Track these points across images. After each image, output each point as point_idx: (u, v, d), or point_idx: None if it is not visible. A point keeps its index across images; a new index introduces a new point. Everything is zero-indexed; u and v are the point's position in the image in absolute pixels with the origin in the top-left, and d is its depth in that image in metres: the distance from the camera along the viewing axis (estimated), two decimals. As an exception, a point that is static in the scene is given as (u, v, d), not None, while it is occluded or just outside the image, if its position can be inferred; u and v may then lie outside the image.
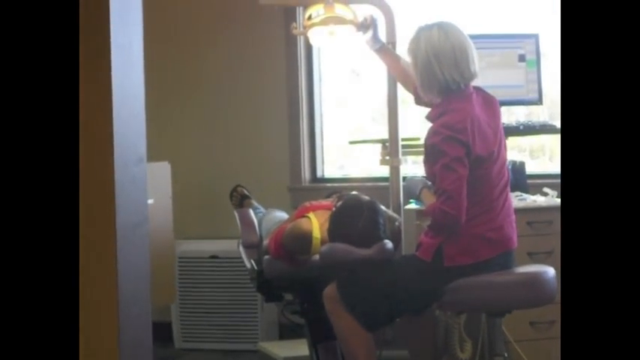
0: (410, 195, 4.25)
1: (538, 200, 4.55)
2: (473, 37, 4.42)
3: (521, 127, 4.73)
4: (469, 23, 5.50)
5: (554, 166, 5.89)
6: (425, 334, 3.97)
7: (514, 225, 3.77)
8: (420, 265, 3.70)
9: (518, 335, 4.17)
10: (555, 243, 4.33)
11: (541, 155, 5.91)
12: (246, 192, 5.04)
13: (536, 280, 3.69)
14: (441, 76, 3.73)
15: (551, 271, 3.70)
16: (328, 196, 4.40)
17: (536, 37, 4.91)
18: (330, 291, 3.79)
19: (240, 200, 5.01)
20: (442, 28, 3.79)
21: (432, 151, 3.68)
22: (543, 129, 4.89)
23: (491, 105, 3.86)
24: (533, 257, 4.21)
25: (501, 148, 3.76)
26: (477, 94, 3.80)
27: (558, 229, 4.33)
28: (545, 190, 4.62)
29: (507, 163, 3.88)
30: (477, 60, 3.79)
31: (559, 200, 4.57)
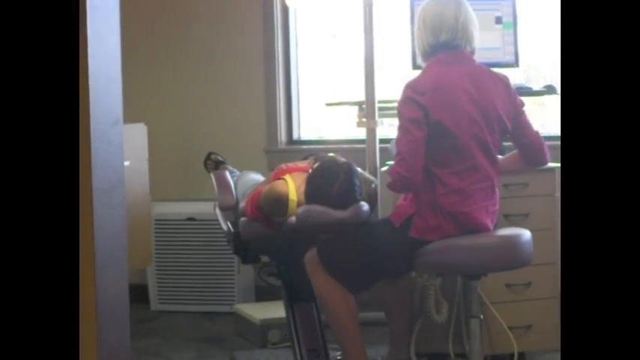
0: (390, 157, 4.26)
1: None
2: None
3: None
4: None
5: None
6: (401, 296, 3.98)
7: (490, 211, 3.72)
8: (389, 228, 3.73)
9: (494, 297, 4.19)
10: (530, 206, 4.35)
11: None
12: (220, 158, 5.02)
13: (512, 242, 3.70)
14: (421, 40, 3.81)
15: (526, 234, 3.71)
16: (305, 158, 4.39)
17: (512, -1, 4.90)
18: (310, 256, 3.81)
19: (215, 167, 4.99)
20: None
21: (397, 112, 3.73)
22: (520, 91, 4.89)
23: (489, 84, 3.80)
24: (509, 219, 4.22)
25: (486, 133, 3.69)
26: (472, 66, 3.79)
27: (534, 192, 4.37)
28: None
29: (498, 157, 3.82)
30: (469, 32, 3.77)
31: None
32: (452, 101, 3.65)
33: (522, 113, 3.88)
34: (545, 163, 3.95)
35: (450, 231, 3.63)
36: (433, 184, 3.63)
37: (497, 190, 3.79)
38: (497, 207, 3.78)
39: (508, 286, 4.29)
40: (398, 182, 3.63)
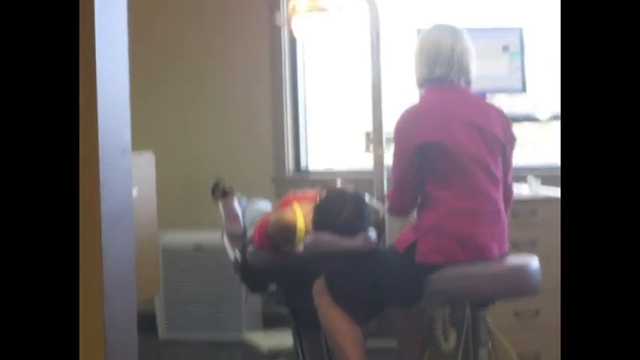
0: None
1: (522, 191, 4.57)
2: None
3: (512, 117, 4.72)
4: (456, 17, 5.54)
5: (537, 157, 5.91)
6: (414, 325, 3.97)
7: (498, 236, 3.69)
8: (394, 255, 3.72)
9: (502, 325, 4.17)
10: (539, 233, 4.35)
11: (523, 146, 5.92)
12: (227, 185, 5.02)
13: (520, 270, 3.67)
14: (416, 70, 3.87)
15: (535, 262, 3.69)
16: (313, 187, 4.40)
17: (519, 30, 4.92)
18: (318, 286, 3.80)
19: (223, 195, 4.99)
20: (438, 28, 3.87)
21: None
22: (527, 119, 4.93)
23: (484, 108, 3.86)
24: (517, 247, 4.22)
25: (485, 154, 3.68)
26: (466, 94, 3.81)
27: (542, 220, 4.38)
28: (529, 178, 4.64)
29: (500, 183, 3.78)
30: (464, 64, 3.80)
31: (543, 190, 4.59)
32: (447, 123, 3.67)
33: (511, 152, 3.86)
34: (507, 212, 3.86)
35: (455, 253, 3.59)
36: (436, 207, 3.62)
37: (504, 217, 3.74)
38: (505, 234, 3.74)
39: (516, 314, 4.28)
40: (391, 208, 3.85)
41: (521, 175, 4.77)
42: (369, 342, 3.90)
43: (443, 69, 3.76)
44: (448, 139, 3.63)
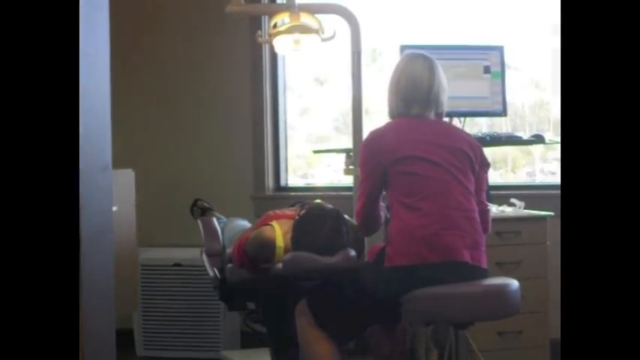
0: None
1: (506, 211, 4.59)
2: (440, 47, 4.45)
3: (487, 138, 4.74)
4: (438, 34, 5.57)
5: (516, 178, 5.95)
6: (398, 347, 3.95)
7: (470, 244, 3.63)
8: (367, 268, 3.74)
9: (485, 345, 4.18)
10: (523, 254, 4.37)
11: (504, 166, 5.95)
12: (206, 204, 5.03)
13: (499, 292, 3.65)
14: (391, 102, 3.88)
15: (514, 284, 3.67)
16: (292, 205, 4.40)
17: (500, 49, 4.94)
18: (301, 306, 3.78)
19: (202, 214, 4.99)
20: (414, 62, 3.88)
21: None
22: (510, 140, 4.96)
23: (453, 130, 3.96)
24: (502, 267, 4.23)
25: (453, 160, 3.70)
26: (435, 121, 3.85)
27: (526, 240, 4.40)
28: (513, 200, 4.66)
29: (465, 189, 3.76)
30: (439, 101, 3.84)
31: (526, 211, 4.61)
32: (413, 138, 3.72)
33: (482, 174, 3.87)
34: (485, 232, 3.83)
35: (422, 254, 3.55)
36: (402, 215, 3.62)
37: (477, 227, 3.69)
38: (480, 246, 3.68)
39: (500, 334, 4.29)
40: (361, 224, 3.85)
41: (503, 196, 4.80)
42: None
43: (419, 107, 3.79)
44: (414, 151, 3.67)
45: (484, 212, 3.81)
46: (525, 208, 4.64)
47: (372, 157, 3.75)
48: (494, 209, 4.44)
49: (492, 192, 4.78)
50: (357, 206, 3.82)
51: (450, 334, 3.96)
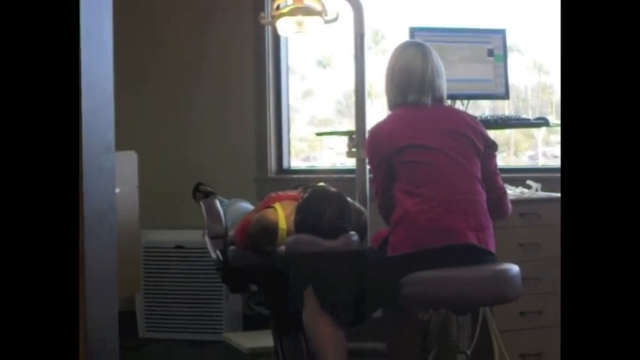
0: None
1: (525, 192, 4.60)
2: (444, 30, 4.44)
3: (495, 121, 4.74)
4: (442, 16, 5.56)
5: (518, 161, 5.95)
6: (405, 329, 3.95)
7: (475, 226, 3.62)
8: (370, 255, 3.74)
9: (507, 325, 4.21)
10: (542, 234, 4.39)
11: (506, 150, 5.95)
12: (208, 188, 5.02)
13: (499, 277, 3.63)
14: (388, 93, 3.92)
15: (515, 268, 3.65)
16: (295, 188, 4.39)
17: (503, 32, 4.93)
18: (310, 290, 3.77)
19: (204, 197, 4.99)
20: (407, 51, 3.92)
21: None
22: (517, 123, 4.98)
23: (455, 113, 3.97)
24: (524, 248, 4.27)
25: (456, 144, 3.72)
26: (431, 108, 3.85)
27: (546, 222, 4.41)
28: (529, 182, 4.66)
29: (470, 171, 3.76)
30: (435, 86, 3.85)
31: (544, 193, 4.62)
32: (416, 127, 3.75)
33: (492, 157, 3.88)
34: (505, 217, 3.90)
35: (424, 240, 3.56)
36: (404, 202, 3.62)
37: (479, 207, 3.68)
38: (482, 223, 3.65)
39: (522, 314, 4.30)
40: (384, 216, 3.85)
41: (514, 179, 4.79)
42: (353, 344, 3.88)
43: (415, 94, 3.81)
44: (413, 140, 3.69)
45: (501, 196, 3.83)
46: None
47: (375, 153, 3.82)
48: (510, 191, 4.44)
49: (504, 175, 4.77)
50: (376, 202, 3.88)
51: (462, 319, 3.93)
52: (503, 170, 4.03)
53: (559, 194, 4.47)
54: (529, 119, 5.03)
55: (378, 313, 3.87)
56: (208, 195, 4.93)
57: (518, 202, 4.34)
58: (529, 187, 4.65)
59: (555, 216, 4.43)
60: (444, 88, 3.89)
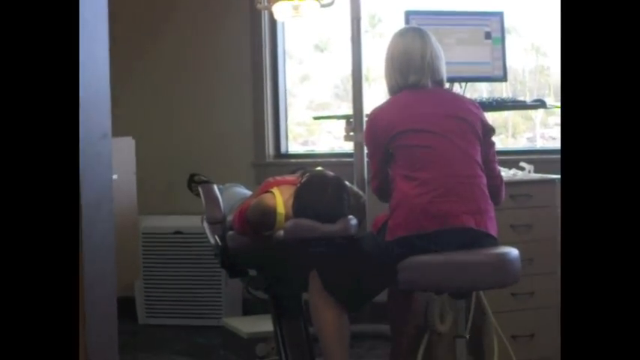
0: None
1: (518, 174, 4.60)
2: (442, 13, 4.43)
3: (493, 103, 4.73)
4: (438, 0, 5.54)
5: (516, 143, 5.94)
6: (408, 311, 3.95)
7: (474, 210, 3.61)
8: (371, 239, 3.73)
9: (499, 306, 4.20)
10: (534, 216, 4.39)
11: (504, 132, 5.94)
12: (203, 178, 5.00)
13: (498, 260, 3.62)
14: (389, 77, 3.89)
15: (514, 252, 3.64)
16: (293, 172, 4.39)
17: (500, 14, 4.93)
18: (314, 272, 3.78)
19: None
20: (405, 35, 3.91)
21: None
22: (514, 105, 4.98)
23: (456, 100, 3.95)
24: (515, 229, 4.27)
25: (455, 128, 3.71)
26: (437, 89, 3.85)
27: (537, 204, 4.42)
28: (522, 164, 4.66)
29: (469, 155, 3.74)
30: (435, 68, 3.84)
31: (537, 175, 4.61)
32: (415, 112, 3.74)
33: (491, 144, 3.87)
34: (498, 204, 3.86)
35: (421, 223, 3.55)
36: (402, 186, 3.62)
37: (478, 191, 3.66)
38: (481, 206, 3.65)
39: (514, 295, 4.31)
40: (380, 198, 3.89)
41: (511, 161, 4.78)
42: (357, 327, 3.88)
43: (416, 76, 3.80)
44: (411, 124, 3.69)
45: (498, 185, 3.83)
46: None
47: (372, 138, 3.82)
48: (504, 173, 4.43)
49: (501, 157, 4.77)
50: (373, 185, 3.92)
51: (460, 302, 3.92)
52: (499, 153, 4.02)
53: (552, 176, 4.49)
54: (526, 101, 5.03)
55: (380, 298, 3.87)
56: (204, 182, 4.92)
57: (510, 183, 4.29)
58: (522, 168, 4.65)
59: (547, 198, 4.47)
60: (444, 71, 3.88)
